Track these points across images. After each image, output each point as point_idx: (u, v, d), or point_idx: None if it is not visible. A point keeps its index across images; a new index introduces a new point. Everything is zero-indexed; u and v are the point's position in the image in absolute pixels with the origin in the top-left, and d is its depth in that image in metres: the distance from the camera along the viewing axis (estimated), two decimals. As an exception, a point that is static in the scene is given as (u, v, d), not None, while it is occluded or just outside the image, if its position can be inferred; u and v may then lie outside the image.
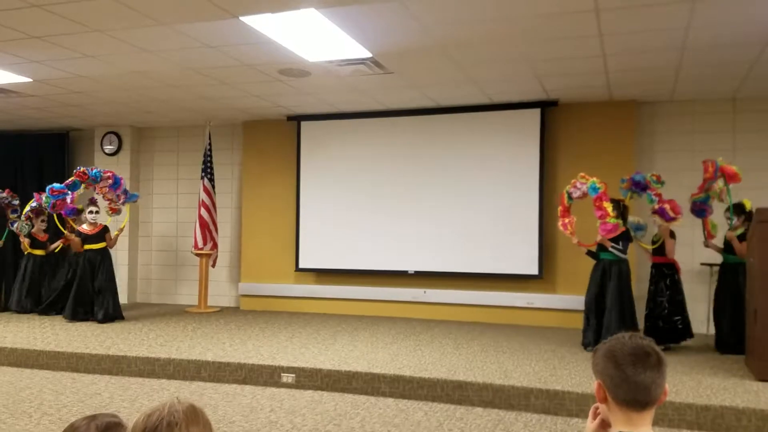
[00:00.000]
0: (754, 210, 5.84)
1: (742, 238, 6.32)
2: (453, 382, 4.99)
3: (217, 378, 5.59)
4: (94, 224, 8.20)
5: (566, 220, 6.65)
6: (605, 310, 6.36)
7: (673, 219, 6.33)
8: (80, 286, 8.07)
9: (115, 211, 8.30)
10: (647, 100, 7.87)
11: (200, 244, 9.10)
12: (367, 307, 8.83)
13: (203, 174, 9.23)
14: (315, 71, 6.77)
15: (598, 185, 6.31)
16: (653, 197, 6.34)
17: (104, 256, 8.22)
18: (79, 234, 8.17)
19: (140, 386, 5.45)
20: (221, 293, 9.79)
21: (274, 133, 9.36)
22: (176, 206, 10.12)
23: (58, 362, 6.02)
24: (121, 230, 8.32)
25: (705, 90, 7.40)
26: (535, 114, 8.07)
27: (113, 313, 8.08)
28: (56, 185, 7.85)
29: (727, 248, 6.55)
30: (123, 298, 9.85)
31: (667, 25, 5.30)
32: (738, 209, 6.43)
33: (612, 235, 6.31)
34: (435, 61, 6.37)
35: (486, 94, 7.66)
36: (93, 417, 1.62)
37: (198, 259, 9.25)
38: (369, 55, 6.14)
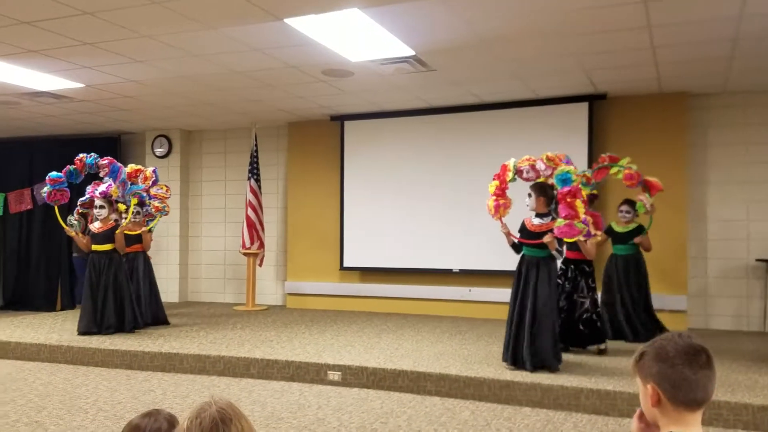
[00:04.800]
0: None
1: (638, 232, 6.71)
2: (500, 382, 4.95)
3: (266, 375, 5.67)
4: (105, 221, 7.17)
5: (501, 201, 5.46)
6: (524, 318, 5.25)
7: (592, 236, 5.67)
8: (88, 294, 7.10)
9: (159, 210, 7.66)
10: (699, 92, 7.65)
11: (248, 243, 9.24)
12: (412, 305, 8.82)
13: (250, 175, 9.36)
14: (358, 71, 6.79)
15: (573, 177, 5.10)
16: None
17: (112, 259, 7.15)
18: (89, 232, 7.29)
19: (192, 383, 5.56)
20: (268, 292, 9.92)
21: (318, 134, 9.43)
22: (224, 207, 10.30)
23: (112, 360, 6.19)
24: (123, 228, 7.21)
25: (759, 81, 7.14)
26: (583, 108, 7.92)
27: (119, 326, 7.09)
28: (53, 174, 7.12)
29: (620, 240, 6.82)
30: (174, 297, 10.10)
31: (718, 15, 5.13)
32: (632, 205, 6.72)
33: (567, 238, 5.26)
34: (479, 57, 6.32)
35: (531, 88, 7.57)
36: (155, 412, 1.67)
37: (245, 258, 9.40)
38: (412, 53, 6.13)
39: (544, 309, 5.23)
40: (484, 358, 5.71)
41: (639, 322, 6.66)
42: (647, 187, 6.48)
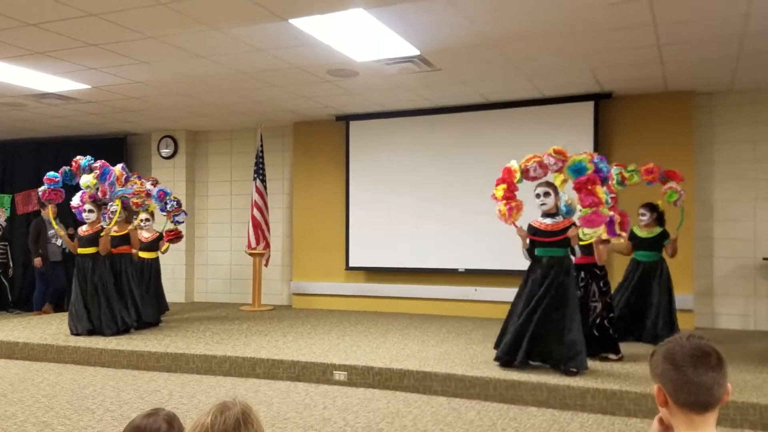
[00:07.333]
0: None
1: (662, 237, 6.45)
2: (506, 381, 4.94)
3: (272, 375, 5.67)
4: (92, 225, 7.16)
5: (513, 204, 5.27)
6: (535, 318, 5.18)
7: (616, 236, 5.45)
8: (78, 296, 7.13)
9: (139, 206, 7.61)
10: (705, 91, 7.62)
11: (253, 243, 9.25)
12: (418, 305, 8.82)
13: (255, 175, 9.37)
14: (363, 71, 6.79)
15: (587, 164, 4.97)
16: (609, 200, 5.12)
17: (95, 261, 7.11)
18: (76, 235, 7.31)
19: (198, 383, 5.57)
20: (274, 292, 9.93)
21: (324, 134, 9.44)
22: (230, 207, 10.32)
23: (119, 360, 6.21)
24: (108, 231, 7.13)
25: (766, 79, 7.10)
26: (589, 107, 7.90)
27: (103, 329, 6.98)
28: (50, 173, 7.10)
29: (642, 246, 6.52)
30: (180, 297, 10.11)
31: (724, 13, 5.11)
32: (652, 208, 6.49)
33: (594, 227, 5.04)
34: (484, 57, 6.31)
35: (537, 87, 7.55)
36: (155, 412, 1.67)
37: (251, 258, 9.41)
38: (417, 52, 6.12)
39: (572, 305, 5.16)
40: (490, 358, 5.69)
41: (653, 323, 6.40)
42: (668, 178, 6.30)
